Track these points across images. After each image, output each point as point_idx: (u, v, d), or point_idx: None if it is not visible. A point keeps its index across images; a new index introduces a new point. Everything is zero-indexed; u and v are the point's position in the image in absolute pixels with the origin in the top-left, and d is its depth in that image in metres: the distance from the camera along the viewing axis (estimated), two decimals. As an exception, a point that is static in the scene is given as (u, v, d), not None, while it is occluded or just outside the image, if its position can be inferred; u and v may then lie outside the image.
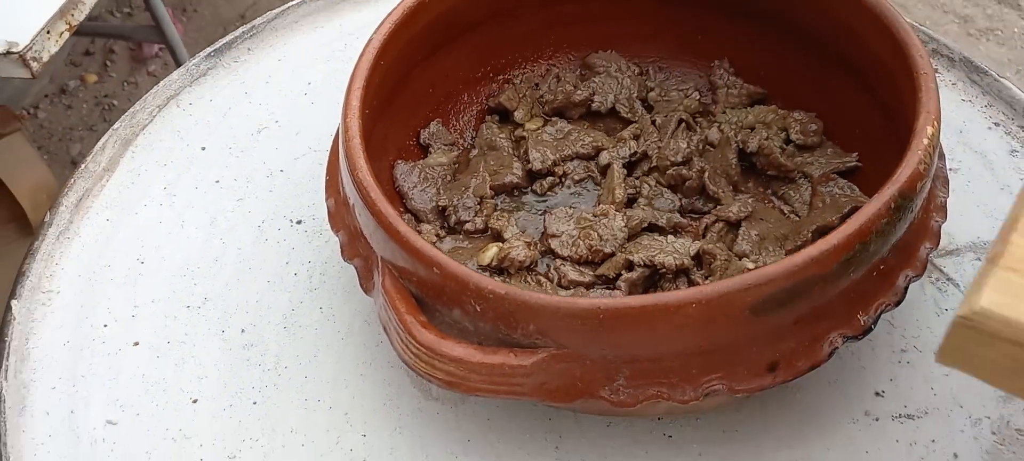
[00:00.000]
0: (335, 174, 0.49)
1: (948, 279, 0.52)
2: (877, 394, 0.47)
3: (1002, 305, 0.28)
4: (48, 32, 1.01)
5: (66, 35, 1.05)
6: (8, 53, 0.98)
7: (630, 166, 0.56)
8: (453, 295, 0.39)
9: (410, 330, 0.39)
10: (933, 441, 0.45)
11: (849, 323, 0.40)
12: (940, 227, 0.45)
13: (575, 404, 0.40)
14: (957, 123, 0.60)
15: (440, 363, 0.39)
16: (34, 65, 1.01)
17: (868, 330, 0.41)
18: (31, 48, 0.99)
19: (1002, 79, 0.63)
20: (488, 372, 0.38)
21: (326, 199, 0.49)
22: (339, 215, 0.48)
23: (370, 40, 0.50)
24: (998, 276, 0.29)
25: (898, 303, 0.42)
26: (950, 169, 0.54)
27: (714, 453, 0.46)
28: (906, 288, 0.42)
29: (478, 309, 0.39)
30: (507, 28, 0.59)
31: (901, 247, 0.41)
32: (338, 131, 0.47)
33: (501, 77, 0.61)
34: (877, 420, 0.46)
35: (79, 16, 1.06)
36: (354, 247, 0.46)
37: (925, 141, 0.41)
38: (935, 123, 0.42)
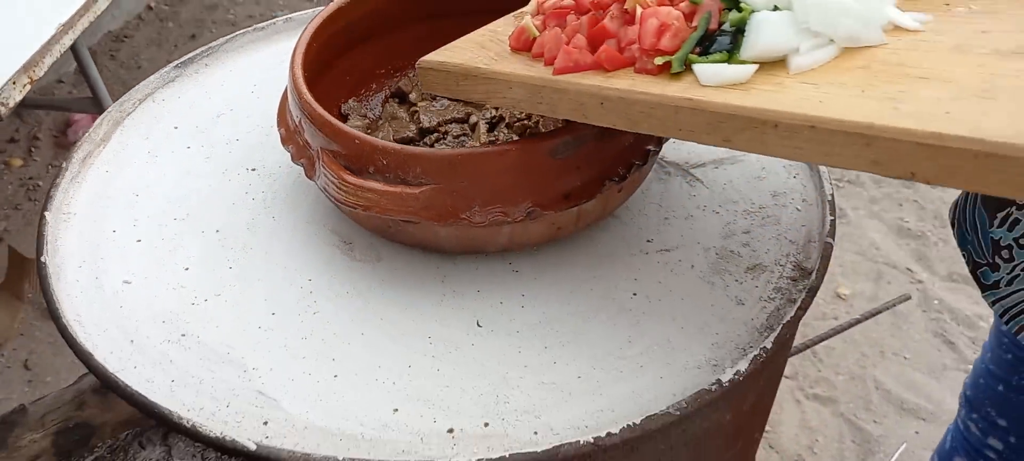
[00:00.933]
0: (284, 111, 0.73)
1: (697, 180, 0.80)
2: (648, 241, 0.74)
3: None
4: (13, 83, 1.23)
5: (28, 87, 1.27)
6: (-20, 99, 1.19)
7: (491, 125, 0.83)
8: (368, 156, 0.64)
9: (344, 178, 0.64)
10: (679, 261, 0.72)
11: (614, 172, 0.67)
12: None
13: (448, 223, 0.65)
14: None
15: (363, 195, 0.63)
16: (2, 109, 1.21)
17: (622, 177, 0.67)
18: (1, 96, 1.20)
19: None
20: (393, 198, 0.63)
21: (278, 128, 0.73)
22: (289, 136, 0.72)
23: (303, 31, 0.75)
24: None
25: (643, 164, 0.69)
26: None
27: (544, 276, 0.71)
28: (651, 151, 0.69)
29: (384, 162, 0.64)
30: (400, 37, 0.86)
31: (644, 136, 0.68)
32: (287, 83, 0.72)
33: (399, 73, 0.88)
34: (647, 254, 0.73)
35: (39, 72, 1.29)
36: (301, 151, 0.70)
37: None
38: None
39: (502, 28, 0.71)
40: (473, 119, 0.82)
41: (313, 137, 0.68)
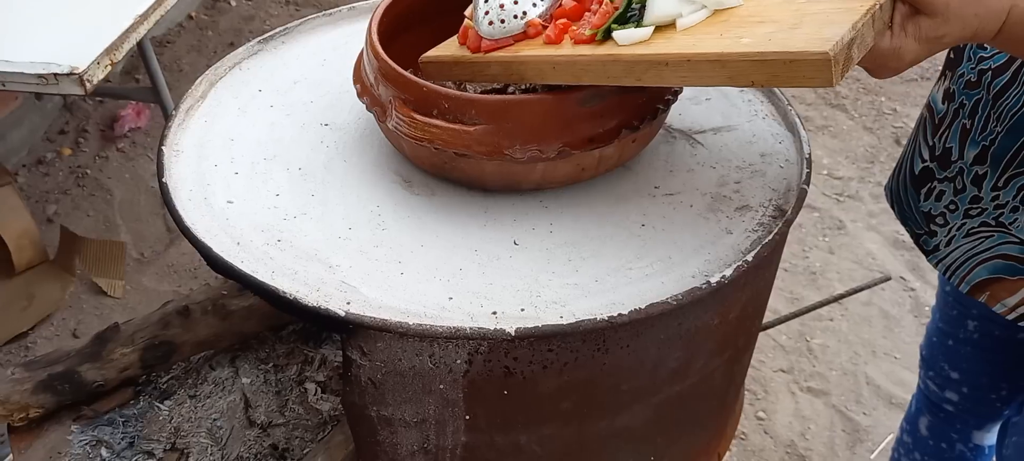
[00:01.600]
0: (359, 71, 0.91)
1: (698, 143, 0.98)
2: (656, 186, 0.91)
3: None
4: (98, 62, 1.42)
5: (108, 68, 1.45)
6: (70, 74, 1.37)
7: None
8: (433, 100, 0.81)
9: (413, 117, 0.81)
10: (681, 202, 0.89)
11: (629, 122, 0.84)
12: (679, 89, 0.90)
13: (494, 158, 0.82)
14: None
15: (428, 130, 0.80)
16: (88, 85, 1.40)
17: (638, 126, 0.84)
18: (87, 72, 1.39)
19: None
20: (452, 133, 0.80)
21: (354, 84, 0.91)
22: (364, 91, 0.90)
23: (375, 10, 0.93)
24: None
25: (653, 118, 0.86)
26: (706, 98, 1.01)
27: (569, 211, 0.88)
28: (660, 109, 0.86)
29: (446, 106, 0.81)
30: (448, 22, 1.02)
31: (659, 90, 0.86)
32: (363, 49, 0.90)
33: (447, 52, 1.05)
34: (654, 196, 0.90)
35: (118, 56, 1.48)
36: (375, 101, 0.88)
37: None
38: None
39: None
40: (510, 89, 1.00)
41: (386, 89, 0.86)
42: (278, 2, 3.24)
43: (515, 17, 0.85)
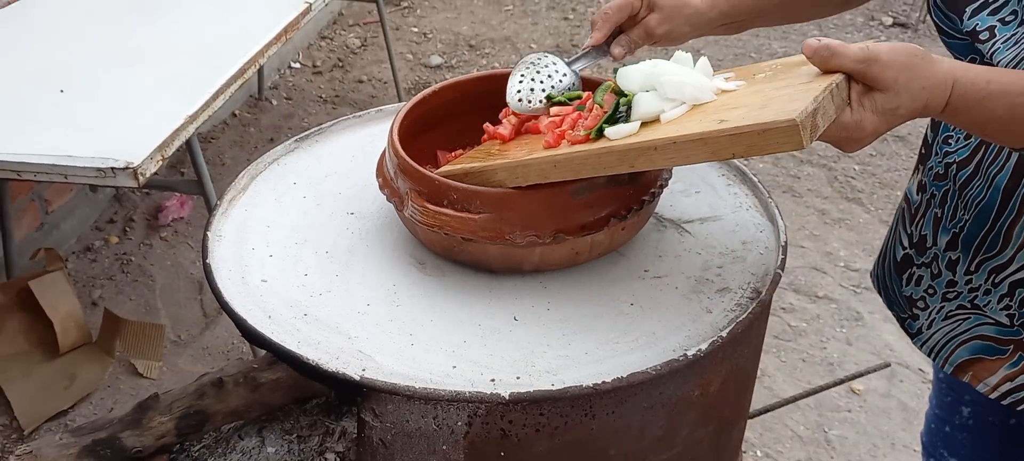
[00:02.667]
0: (381, 167, 1.05)
1: (686, 231, 1.09)
2: (645, 270, 1.03)
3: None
4: (151, 157, 1.59)
5: (160, 163, 1.62)
6: (126, 168, 1.54)
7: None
8: (443, 192, 0.95)
9: (426, 206, 0.94)
10: (667, 284, 1.00)
11: (618, 212, 0.96)
12: (664, 184, 1.02)
13: (496, 242, 0.94)
14: (703, 172, 1.21)
15: (439, 218, 0.93)
16: (141, 178, 1.57)
17: (627, 214, 0.96)
18: (140, 166, 1.56)
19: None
20: (461, 221, 0.93)
21: (376, 178, 1.05)
22: (385, 184, 1.03)
23: (397, 113, 1.08)
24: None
25: (640, 209, 0.98)
26: (696, 191, 1.14)
27: (565, 291, 0.99)
28: (645, 201, 0.98)
29: (454, 197, 0.94)
30: (462, 124, 1.17)
31: (646, 184, 0.98)
32: (386, 147, 1.04)
33: (461, 150, 1.19)
34: (643, 279, 1.01)
35: (169, 151, 1.65)
36: (394, 193, 1.01)
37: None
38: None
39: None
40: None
41: (404, 182, 0.99)
42: (315, 101, 3.47)
43: (540, 102, 1.04)
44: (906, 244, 1.14)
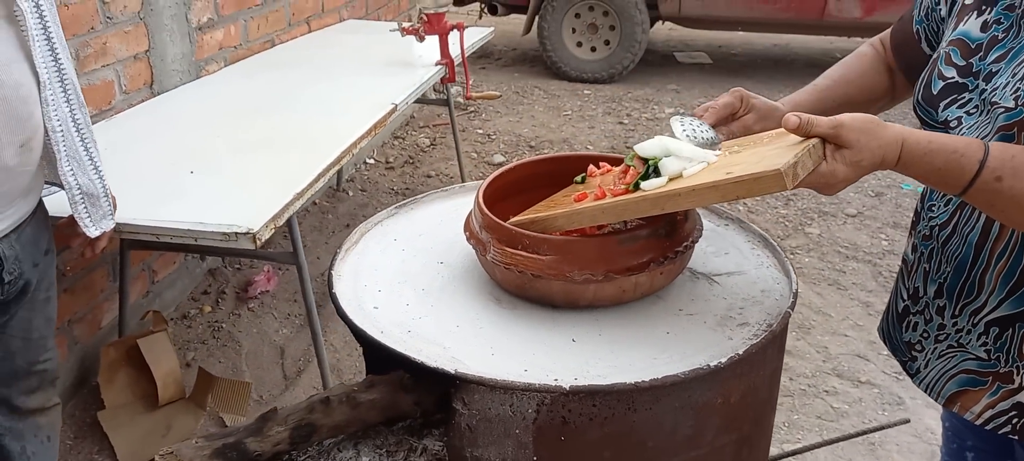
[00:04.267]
0: (469, 223, 1.37)
1: (715, 282, 1.37)
2: (680, 309, 1.30)
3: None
4: (266, 225, 1.94)
5: (273, 230, 1.97)
6: (247, 233, 1.89)
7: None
8: (518, 239, 1.25)
9: (506, 249, 1.25)
10: (697, 320, 1.27)
11: (657, 257, 1.25)
12: (696, 239, 1.31)
13: (559, 279, 1.23)
14: (732, 238, 1.49)
15: (515, 257, 1.24)
16: (259, 242, 1.92)
17: (664, 261, 1.25)
18: (259, 232, 1.91)
19: (783, 252, 1.53)
20: (531, 261, 1.24)
21: (464, 232, 1.36)
22: (472, 236, 1.35)
23: (481, 184, 1.40)
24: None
25: (675, 257, 1.26)
26: (725, 252, 1.42)
27: (614, 323, 1.28)
28: (679, 252, 1.27)
29: (527, 242, 1.25)
30: (535, 195, 1.49)
31: (680, 238, 1.27)
32: (472, 208, 1.36)
33: (531, 215, 1.51)
34: (678, 316, 1.29)
35: (280, 221, 2.00)
36: (478, 241, 1.32)
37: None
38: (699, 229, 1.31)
39: (562, 194, 1.43)
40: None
41: (487, 233, 1.30)
42: (388, 192, 3.86)
43: (708, 141, 1.29)
44: (905, 297, 1.39)
